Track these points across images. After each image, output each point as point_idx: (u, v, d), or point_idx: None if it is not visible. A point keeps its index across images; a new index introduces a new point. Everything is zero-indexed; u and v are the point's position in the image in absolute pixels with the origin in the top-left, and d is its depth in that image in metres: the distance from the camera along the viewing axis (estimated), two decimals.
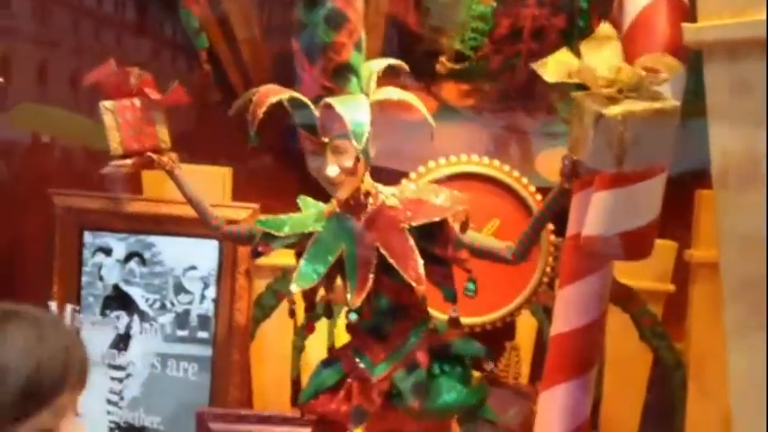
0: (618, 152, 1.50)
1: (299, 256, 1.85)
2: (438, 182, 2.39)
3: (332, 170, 1.72)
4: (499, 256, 1.79)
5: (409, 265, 1.73)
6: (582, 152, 1.56)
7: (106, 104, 2.00)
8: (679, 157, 2.15)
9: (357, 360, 1.85)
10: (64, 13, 2.75)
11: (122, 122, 1.99)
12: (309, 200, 1.91)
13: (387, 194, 1.83)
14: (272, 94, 1.71)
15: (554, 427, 2.09)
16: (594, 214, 1.87)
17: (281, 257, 2.23)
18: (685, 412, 2.44)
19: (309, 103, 1.71)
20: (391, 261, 1.74)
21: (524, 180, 2.43)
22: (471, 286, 1.79)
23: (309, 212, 1.88)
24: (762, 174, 1.60)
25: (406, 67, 1.86)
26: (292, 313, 1.89)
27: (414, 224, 1.77)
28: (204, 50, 2.22)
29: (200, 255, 2.29)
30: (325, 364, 1.93)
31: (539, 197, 2.38)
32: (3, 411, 1.09)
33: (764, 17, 1.56)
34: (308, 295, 1.86)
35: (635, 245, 1.87)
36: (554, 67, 1.58)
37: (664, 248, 2.47)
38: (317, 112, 1.71)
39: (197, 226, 2.13)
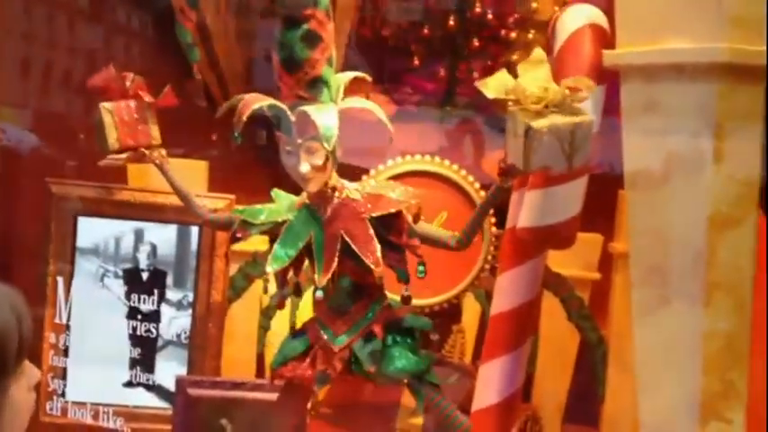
0: (544, 159, 1.71)
1: (272, 241, 2.01)
2: (395, 178, 2.61)
3: (304, 167, 1.90)
4: (445, 243, 1.98)
5: (369, 251, 1.90)
6: (514, 157, 1.77)
7: (106, 105, 2.13)
8: (605, 162, 2.43)
9: (321, 332, 2.02)
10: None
11: (119, 121, 2.12)
12: (282, 193, 2.08)
13: (350, 189, 2.00)
14: (255, 101, 1.88)
15: (492, 395, 2.27)
16: (527, 209, 2.08)
17: (251, 244, 2.38)
18: (606, 383, 2.63)
19: (287, 109, 1.89)
20: (354, 247, 1.91)
21: (470, 178, 2.65)
22: (422, 268, 1.96)
23: (282, 203, 2.04)
24: (665, 177, 1.81)
25: (369, 78, 2.04)
26: (266, 290, 2.10)
27: (373, 215, 1.94)
28: (195, 63, 2.41)
29: (182, 239, 2.44)
30: (294, 335, 2.09)
31: (482, 193, 2.60)
32: None
33: (674, 45, 1.78)
34: (280, 276, 2.02)
35: (559, 235, 2.08)
36: (494, 84, 1.76)
37: (591, 241, 2.70)
38: (293, 117, 1.88)
39: (180, 213, 2.30)
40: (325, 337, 2.02)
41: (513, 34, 3.29)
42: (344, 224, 1.95)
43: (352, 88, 2.02)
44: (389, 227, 1.97)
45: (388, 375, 2.01)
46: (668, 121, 1.81)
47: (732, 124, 1.75)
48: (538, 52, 1.81)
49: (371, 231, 1.94)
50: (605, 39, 2.03)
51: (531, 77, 1.76)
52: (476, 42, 3.20)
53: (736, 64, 1.72)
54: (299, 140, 1.91)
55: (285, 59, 1.90)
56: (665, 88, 1.82)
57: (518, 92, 1.73)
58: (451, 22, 3.24)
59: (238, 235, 2.05)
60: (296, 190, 2.07)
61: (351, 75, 2.02)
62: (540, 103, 1.71)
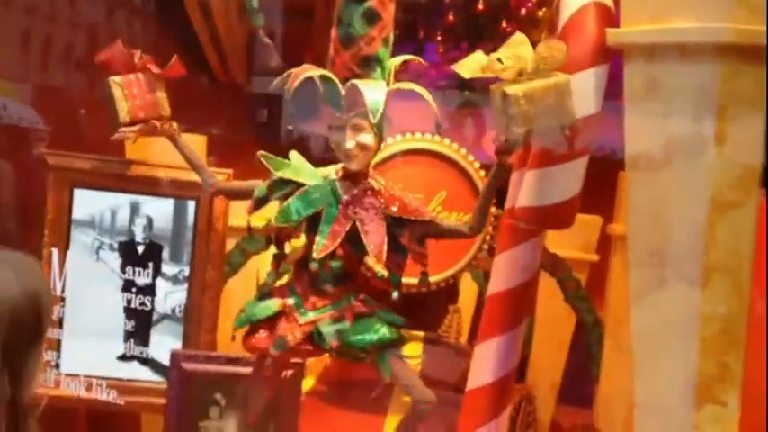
0: (528, 123, 1.74)
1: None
2: (394, 156, 2.64)
3: (350, 143, 1.93)
4: (460, 232, 2.01)
5: (376, 244, 1.92)
6: (502, 130, 1.79)
7: (115, 79, 2.17)
8: (605, 144, 2.42)
9: (290, 298, 2.03)
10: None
11: (129, 95, 2.16)
12: (300, 156, 2.08)
13: (379, 181, 2.02)
14: (307, 70, 1.91)
15: (486, 374, 2.28)
16: (526, 189, 2.07)
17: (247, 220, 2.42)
18: (600, 365, 2.67)
19: (338, 81, 1.91)
20: (362, 236, 1.93)
21: (470, 157, 2.67)
22: (424, 277, 2.03)
23: (304, 167, 2.05)
24: (666, 159, 1.79)
25: (423, 62, 2.08)
26: (249, 228, 2.07)
27: (393, 214, 1.96)
28: (259, 28, 2.41)
29: (178, 214, 2.43)
30: (261, 297, 2.09)
31: (482, 173, 2.63)
32: None
33: (677, 25, 1.75)
34: (280, 239, 2.05)
35: (558, 216, 2.07)
36: (468, 65, 1.80)
37: (590, 223, 2.73)
38: (343, 91, 1.91)
39: (177, 187, 2.33)
40: (293, 302, 2.03)
41: (540, 12, 3.29)
42: (362, 211, 1.97)
43: None
44: (403, 230, 1.98)
45: (352, 345, 2.01)
46: (670, 102, 1.79)
47: (734, 106, 1.74)
48: (517, 36, 1.82)
49: (384, 227, 1.95)
50: (609, 17, 2.00)
51: (505, 53, 1.78)
52: (503, 24, 3.17)
53: (740, 44, 1.70)
54: (347, 116, 1.92)
55: (342, 34, 1.93)
56: (667, 68, 1.79)
57: (492, 66, 1.76)
58: (480, 6, 3.22)
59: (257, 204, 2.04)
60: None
61: (401, 58, 2.02)
62: (514, 72, 1.74)
